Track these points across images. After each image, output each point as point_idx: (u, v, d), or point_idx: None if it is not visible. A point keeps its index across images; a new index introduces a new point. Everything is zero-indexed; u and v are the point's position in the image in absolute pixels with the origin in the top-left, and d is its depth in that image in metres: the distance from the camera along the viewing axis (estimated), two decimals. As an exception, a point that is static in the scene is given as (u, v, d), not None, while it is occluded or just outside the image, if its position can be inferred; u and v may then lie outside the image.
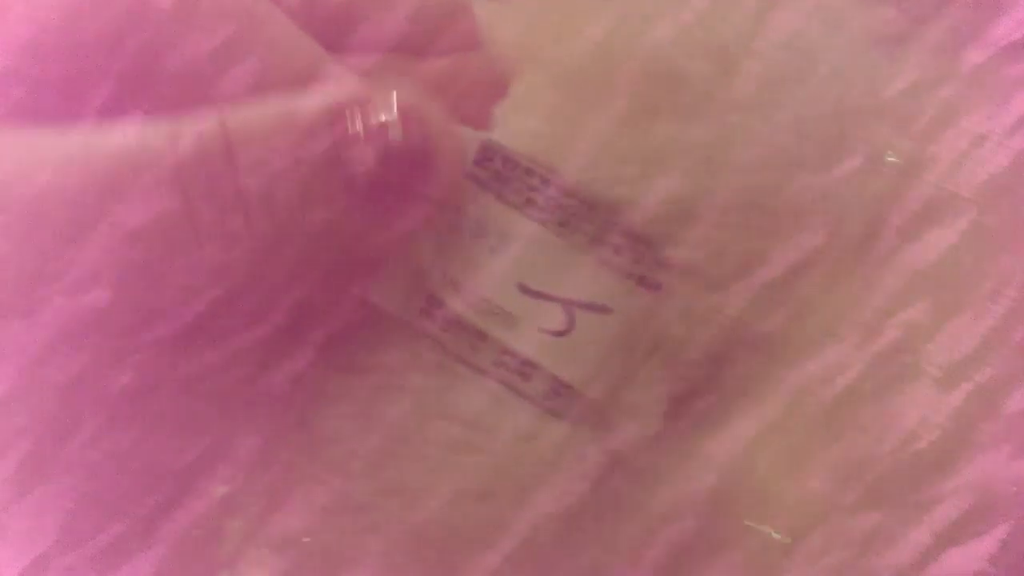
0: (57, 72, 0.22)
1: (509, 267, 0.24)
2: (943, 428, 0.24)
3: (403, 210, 0.23)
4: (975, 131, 0.25)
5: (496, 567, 0.23)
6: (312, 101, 0.22)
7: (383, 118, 0.22)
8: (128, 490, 0.23)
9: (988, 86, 0.26)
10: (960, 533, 0.23)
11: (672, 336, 0.24)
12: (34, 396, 0.22)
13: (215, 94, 0.22)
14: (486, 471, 0.23)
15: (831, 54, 0.25)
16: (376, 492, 0.23)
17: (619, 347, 0.24)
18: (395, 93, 0.22)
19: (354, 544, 0.23)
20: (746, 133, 0.25)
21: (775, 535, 0.23)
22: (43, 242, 0.21)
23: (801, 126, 0.25)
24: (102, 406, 0.22)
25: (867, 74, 0.26)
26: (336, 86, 0.22)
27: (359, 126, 0.22)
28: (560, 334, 0.24)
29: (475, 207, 0.24)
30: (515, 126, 0.25)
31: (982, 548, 0.23)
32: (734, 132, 0.25)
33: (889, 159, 0.24)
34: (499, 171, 0.25)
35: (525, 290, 0.24)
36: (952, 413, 0.24)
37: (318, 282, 0.23)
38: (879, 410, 0.24)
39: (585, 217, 0.24)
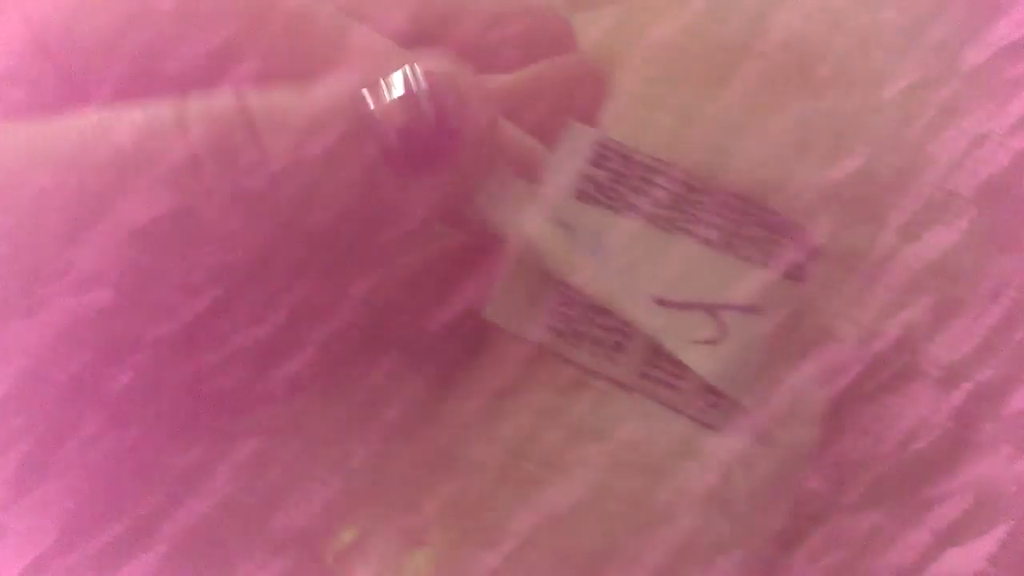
0: (57, 72, 0.22)
1: (641, 282, 0.22)
2: (943, 428, 0.24)
3: (431, 183, 0.21)
4: (975, 131, 0.25)
5: (497, 561, 0.23)
6: (328, 88, 0.21)
7: (407, 90, 0.21)
8: (128, 490, 0.23)
9: (988, 86, 0.26)
10: (960, 533, 0.23)
11: (822, 329, 0.23)
12: (34, 396, 0.22)
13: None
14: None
15: (831, 54, 0.25)
16: (380, 490, 0.23)
17: (772, 348, 0.23)
18: (420, 64, 0.21)
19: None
20: (746, 131, 0.25)
21: None
22: (43, 242, 0.21)
23: (801, 126, 0.25)
24: (102, 406, 0.22)
25: (867, 74, 0.26)
26: (351, 72, 0.22)
27: (382, 102, 0.21)
28: (712, 342, 0.22)
29: (588, 218, 0.22)
30: (626, 122, 0.23)
31: (982, 548, 0.23)
32: (734, 131, 0.25)
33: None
34: (618, 171, 0.23)
35: (664, 303, 0.22)
36: (952, 413, 0.24)
37: (318, 282, 0.23)
38: (879, 410, 0.24)
39: (715, 211, 0.23)
